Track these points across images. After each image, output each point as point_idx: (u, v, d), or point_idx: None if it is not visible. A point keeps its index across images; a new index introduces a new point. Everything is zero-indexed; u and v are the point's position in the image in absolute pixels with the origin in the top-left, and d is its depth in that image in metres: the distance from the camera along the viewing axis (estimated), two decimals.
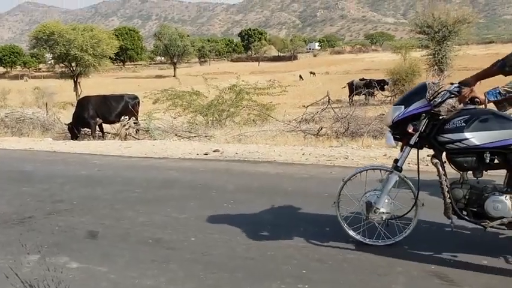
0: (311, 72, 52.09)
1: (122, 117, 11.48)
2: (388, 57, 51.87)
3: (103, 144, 9.48)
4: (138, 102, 12.35)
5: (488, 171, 2.93)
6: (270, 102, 13.27)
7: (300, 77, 47.49)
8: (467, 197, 2.90)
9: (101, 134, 11.99)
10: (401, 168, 3.11)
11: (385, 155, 6.34)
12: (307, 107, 14.40)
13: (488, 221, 2.83)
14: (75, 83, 35.44)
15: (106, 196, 5.00)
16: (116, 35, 45.46)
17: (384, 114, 10.29)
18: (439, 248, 3.15)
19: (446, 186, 2.90)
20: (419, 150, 3.08)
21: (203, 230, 3.78)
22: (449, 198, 2.89)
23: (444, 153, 2.96)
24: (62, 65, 37.44)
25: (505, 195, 2.79)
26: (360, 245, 3.26)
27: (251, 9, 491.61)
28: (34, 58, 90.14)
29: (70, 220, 4.20)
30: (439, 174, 2.92)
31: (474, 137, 2.77)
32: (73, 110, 12.94)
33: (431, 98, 2.96)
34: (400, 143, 3.11)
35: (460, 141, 2.80)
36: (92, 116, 11.68)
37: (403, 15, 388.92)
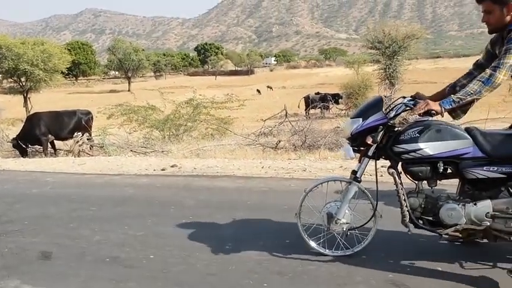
0: (268, 87, 52.54)
1: (75, 134, 11.14)
2: (342, 71, 53.19)
3: (55, 161, 9.14)
4: (92, 117, 12.06)
5: (442, 180, 3.03)
6: (228, 116, 13.25)
7: (258, 91, 47.79)
8: (423, 205, 2.99)
9: (53, 151, 11.58)
10: (360, 179, 3.17)
11: (341, 166, 6.45)
12: (265, 120, 14.46)
13: (443, 229, 2.92)
14: (25, 98, 34.12)
15: (59, 215, 4.81)
16: (68, 49, 44.28)
17: (339, 127, 10.49)
18: (397, 257, 3.21)
19: (403, 195, 2.98)
20: (377, 161, 3.15)
21: (162, 246, 3.69)
22: (406, 207, 2.97)
23: (400, 164, 3.04)
24: (10, 80, 35.99)
25: (458, 203, 2.89)
26: (320, 256, 3.28)
27: (207, 23, 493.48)
28: None
29: (21, 241, 4.00)
30: (395, 184, 3.00)
31: (428, 147, 2.86)
32: None
33: (388, 110, 3.06)
34: (357, 154, 3.18)
35: (414, 151, 2.89)
36: (44, 132, 11.28)
37: (355, 31, 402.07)
